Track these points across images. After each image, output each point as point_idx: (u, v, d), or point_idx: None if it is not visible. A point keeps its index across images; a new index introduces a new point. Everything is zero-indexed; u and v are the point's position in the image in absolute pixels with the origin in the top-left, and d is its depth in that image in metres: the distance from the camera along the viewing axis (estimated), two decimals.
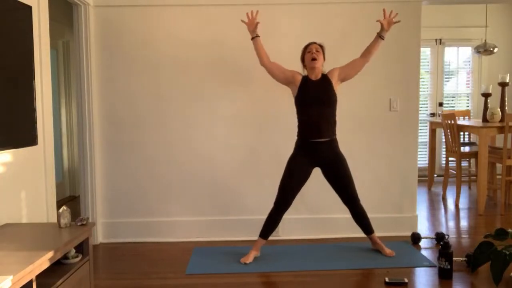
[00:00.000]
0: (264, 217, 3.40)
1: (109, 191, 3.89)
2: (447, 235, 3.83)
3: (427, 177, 6.29)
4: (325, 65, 3.38)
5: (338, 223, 3.94)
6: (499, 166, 6.35)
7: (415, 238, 3.73)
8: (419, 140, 4.08)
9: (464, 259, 3.23)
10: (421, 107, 6.78)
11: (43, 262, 1.93)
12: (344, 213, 3.94)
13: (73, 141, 5.73)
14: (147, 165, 3.88)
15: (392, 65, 3.89)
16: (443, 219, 4.54)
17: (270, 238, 3.92)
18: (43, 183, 2.92)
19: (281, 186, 3.34)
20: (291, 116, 3.79)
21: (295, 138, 3.40)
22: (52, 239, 2.20)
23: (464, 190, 5.92)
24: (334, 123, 3.33)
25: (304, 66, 3.39)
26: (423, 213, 4.75)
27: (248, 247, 3.62)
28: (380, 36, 3.33)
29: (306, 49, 3.35)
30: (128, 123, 3.86)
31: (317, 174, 3.56)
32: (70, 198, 5.63)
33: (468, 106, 6.95)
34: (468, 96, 6.95)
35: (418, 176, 4.56)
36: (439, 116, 6.77)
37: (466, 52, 6.91)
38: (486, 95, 5.27)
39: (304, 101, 3.26)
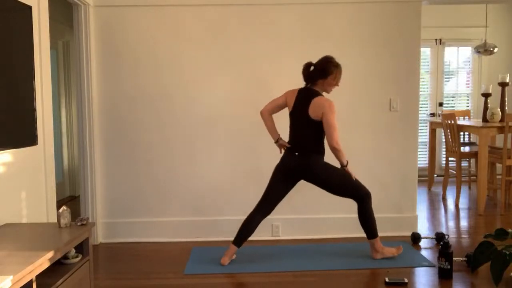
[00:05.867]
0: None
1: (109, 191, 3.89)
2: (447, 235, 3.83)
3: (427, 177, 6.29)
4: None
5: (338, 223, 3.94)
6: (499, 166, 6.36)
7: (415, 238, 3.73)
8: (419, 140, 4.08)
9: (464, 259, 3.22)
10: (421, 107, 6.78)
11: (43, 262, 1.93)
12: (344, 213, 3.95)
13: (73, 141, 5.73)
14: (147, 165, 3.88)
15: (392, 65, 3.89)
16: (443, 219, 4.54)
17: (270, 238, 3.93)
18: (43, 183, 2.92)
19: (355, 185, 3.20)
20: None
21: None
22: (52, 239, 2.20)
23: (464, 190, 5.92)
24: None
25: (321, 82, 3.17)
26: (423, 213, 4.75)
27: (248, 247, 3.63)
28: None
29: (338, 75, 3.16)
30: (128, 123, 3.86)
31: None
32: (70, 198, 5.63)
33: (468, 106, 6.95)
34: (468, 96, 6.95)
35: (418, 176, 4.56)
36: (439, 116, 6.77)
37: (466, 52, 6.91)
38: (486, 95, 5.27)
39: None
